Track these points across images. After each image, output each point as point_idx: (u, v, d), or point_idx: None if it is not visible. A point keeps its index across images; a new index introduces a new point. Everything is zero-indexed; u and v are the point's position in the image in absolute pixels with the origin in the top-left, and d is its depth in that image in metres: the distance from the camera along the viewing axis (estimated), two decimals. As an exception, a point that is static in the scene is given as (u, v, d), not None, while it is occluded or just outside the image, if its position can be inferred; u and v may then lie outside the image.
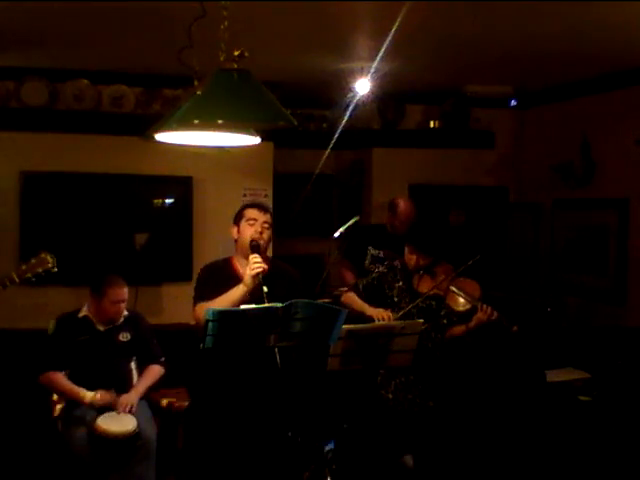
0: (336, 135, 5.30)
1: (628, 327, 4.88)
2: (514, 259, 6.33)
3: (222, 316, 2.86)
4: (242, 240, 3.41)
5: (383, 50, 3.96)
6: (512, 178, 6.35)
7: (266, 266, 3.25)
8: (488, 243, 6.28)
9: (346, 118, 5.34)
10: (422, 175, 6.08)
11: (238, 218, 3.46)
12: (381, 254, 4.90)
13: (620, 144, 5.06)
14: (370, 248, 4.91)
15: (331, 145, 5.32)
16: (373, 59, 4.25)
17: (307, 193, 6.14)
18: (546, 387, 4.64)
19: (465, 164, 6.15)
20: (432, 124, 6.07)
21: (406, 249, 3.80)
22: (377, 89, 5.07)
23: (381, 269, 3.92)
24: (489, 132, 6.24)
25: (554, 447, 4.27)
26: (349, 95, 5.09)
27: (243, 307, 2.99)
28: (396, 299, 3.79)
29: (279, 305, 2.94)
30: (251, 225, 3.38)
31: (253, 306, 2.99)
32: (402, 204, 4.98)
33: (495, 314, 3.58)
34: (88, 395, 3.85)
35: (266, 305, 3.07)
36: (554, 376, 4.69)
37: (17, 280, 3.35)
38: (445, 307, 3.76)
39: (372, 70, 4.57)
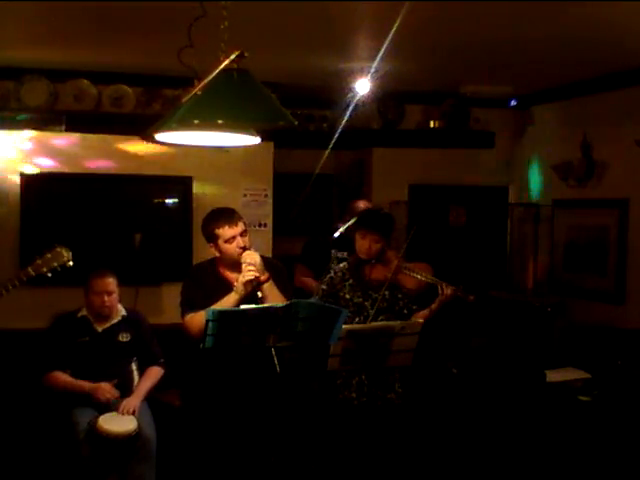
0: (336, 135, 5.30)
1: (628, 327, 4.88)
2: (514, 259, 6.33)
3: (222, 316, 2.86)
4: (226, 257, 3.38)
5: (383, 50, 3.96)
6: (512, 178, 6.35)
7: (259, 275, 3.23)
8: (488, 243, 6.29)
9: (346, 118, 5.34)
10: (422, 175, 6.08)
11: (212, 238, 3.38)
12: (345, 255, 4.93)
13: (620, 144, 5.06)
14: (334, 251, 4.93)
15: (331, 145, 5.32)
16: (373, 59, 4.24)
17: (307, 193, 6.14)
18: (546, 387, 4.64)
19: (465, 164, 6.15)
20: (432, 124, 6.07)
21: (357, 237, 3.77)
22: (377, 89, 5.07)
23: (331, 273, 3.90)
24: (489, 132, 6.24)
25: (554, 447, 4.27)
26: (349, 95, 5.09)
27: (243, 307, 3.00)
28: (348, 296, 3.75)
29: (279, 305, 2.95)
30: (231, 243, 3.34)
31: (253, 306, 2.99)
32: (363, 205, 5.00)
33: (452, 289, 3.60)
34: (91, 387, 3.87)
35: (266, 305, 3.08)
36: (554, 376, 4.69)
37: (33, 274, 3.32)
38: (401, 295, 3.75)
39: (372, 70, 4.57)
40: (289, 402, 3.50)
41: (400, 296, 3.75)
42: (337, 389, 3.70)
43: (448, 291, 3.62)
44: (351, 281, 3.78)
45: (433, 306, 3.69)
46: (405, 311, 3.75)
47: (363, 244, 3.74)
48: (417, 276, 3.69)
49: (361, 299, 3.73)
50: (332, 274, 3.85)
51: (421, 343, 3.49)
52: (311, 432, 3.86)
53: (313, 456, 3.86)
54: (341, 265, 3.90)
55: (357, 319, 3.66)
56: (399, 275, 3.71)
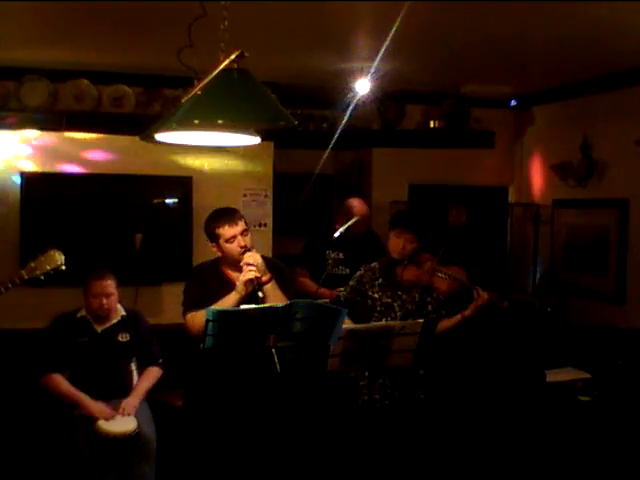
0: (336, 135, 5.29)
1: (628, 327, 4.88)
2: (514, 259, 6.33)
3: (222, 316, 2.86)
4: (228, 256, 3.39)
5: (383, 50, 3.96)
6: (512, 178, 6.35)
7: (260, 275, 3.24)
8: (488, 243, 6.29)
9: (346, 118, 5.34)
10: (422, 175, 6.08)
11: (214, 237, 3.39)
12: (341, 255, 4.94)
13: (620, 144, 5.06)
14: (329, 252, 4.94)
15: (331, 145, 5.31)
16: (373, 59, 4.24)
17: (307, 193, 6.14)
18: (546, 387, 4.64)
19: (465, 164, 6.15)
20: (432, 124, 6.07)
21: (391, 235, 3.75)
22: (377, 89, 5.07)
23: (351, 272, 3.89)
24: (489, 132, 6.24)
25: (554, 447, 4.27)
26: (349, 95, 5.09)
27: (243, 307, 3.00)
28: (376, 295, 3.74)
29: (279, 305, 2.95)
30: (232, 243, 3.35)
31: (253, 306, 2.99)
32: (357, 203, 5.01)
33: (488, 294, 3.57)
34: (88, 403, 3.84)
35: (266, 305, 3.08)
36: (554, 376, 4.69)
37: (26, 277, 3.32)
38: (432, 298, 3.73)
39: (372, 70, 4.57)
40: (289, 402, 3.50)
41: (429, 300, 3.73)
42: (360, 391, 3.70)
43: (485, 295, 3.56)
44: (381, 280, 3.76)
45: (466, 312, 3.63)
46: (433, 315, 3.72)
47: (397, 243, 3.70)
48: (451, 279, 3.63)
49: (390, 299, 3.71)
50: (362, 272, 3.83)
51: (453, 348, 3.47)
52: (316, 431, 3.86)
53: (317, 456, 3.87)
54: (372, 264, 3.85)
55: (384, 320, 3.64)
56: (433, 278, 3.68)
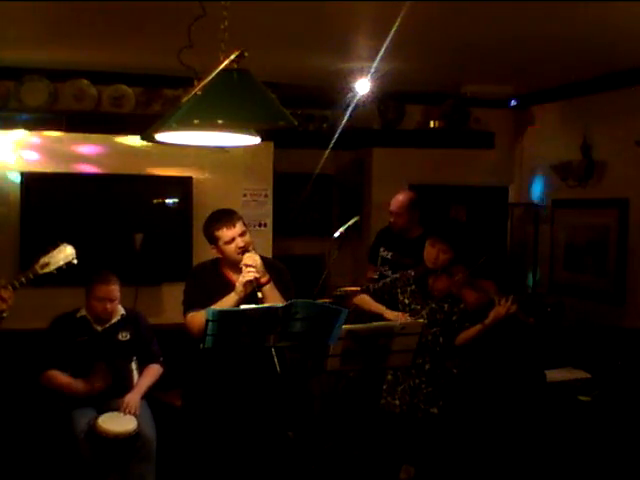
0: (336, 135, 5.30)
1: (627, 327, 4.88)
2: (514, 259, 6.32)
3: (222, 316, 2.86)
4: (227, 257, 3.40)
5: (383, 50, 3.96)
6: (512, 178, 6.35)
7: (260, 276, 3.24)
8: (488, 243, 6.28)
9: (346, 118, 5.34)
10: (422, 175, 6.07)
11: (213, 240, 3.40)
12: (389, 256, 4.96)
13: (620, 144, 5.06)
14: (381, 249, 5.00)
15: (331, 145, 5.31)
16: (373, 59, 4.24)
17: (307, 193, 6.14)
18: (546, 387, 4.64)
19: (465, 164, 6.15)
20: (432, 124, 6.07)
21: (427, 243, 3.81)
22: (377, 89, 5.07)
23: (392, 275, 3.95)
24: (489, 132, 6.24)
25: (554, 447, 4.27)
26: (349, 95, 5.09)
27: (243, 307, 3.00)
28: (407, 301, 3.81)
29: (279, 305, 2.95)
30: (230, 244, 3.35)
31: (253, 306, 2.99)
32: (396, 197, 5.04)
33: (515, 306, 3.56)
34: (83, 383, 3.86)
35: (266, 305, 3.08)
36: (554, 376, 4.69)
37: (40, 272, 3.28)
38: (458, 309, 3.76)
39: (372, 70, 4.57)
40: (289, 402, 3.51)
41: (456, 310, 3.77)
42: (381, 394, 3.75)
43: (504, 305, 3.55)
44: (414, 287, 3.83)
45: (487, 321, 3.65)
46: (456, 325, 3.77)
47: (431, 252, 3.75)
48: (475, 294, 3.67)
49: (419, 307, 3.77)
50: (398, 275, 3.92)
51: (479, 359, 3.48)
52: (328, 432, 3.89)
53: (319, 455, 3.89)
54: (409, 271, 3.92)
55: None
56: (462, 290, 3.71)
